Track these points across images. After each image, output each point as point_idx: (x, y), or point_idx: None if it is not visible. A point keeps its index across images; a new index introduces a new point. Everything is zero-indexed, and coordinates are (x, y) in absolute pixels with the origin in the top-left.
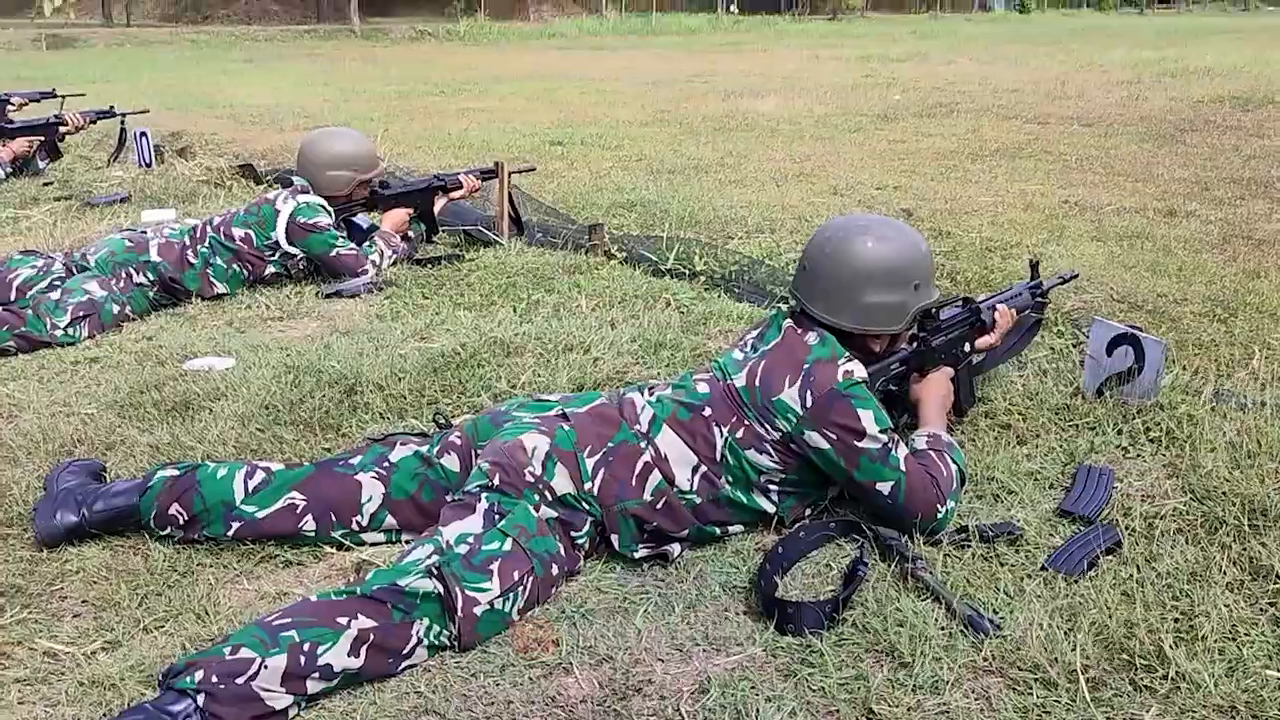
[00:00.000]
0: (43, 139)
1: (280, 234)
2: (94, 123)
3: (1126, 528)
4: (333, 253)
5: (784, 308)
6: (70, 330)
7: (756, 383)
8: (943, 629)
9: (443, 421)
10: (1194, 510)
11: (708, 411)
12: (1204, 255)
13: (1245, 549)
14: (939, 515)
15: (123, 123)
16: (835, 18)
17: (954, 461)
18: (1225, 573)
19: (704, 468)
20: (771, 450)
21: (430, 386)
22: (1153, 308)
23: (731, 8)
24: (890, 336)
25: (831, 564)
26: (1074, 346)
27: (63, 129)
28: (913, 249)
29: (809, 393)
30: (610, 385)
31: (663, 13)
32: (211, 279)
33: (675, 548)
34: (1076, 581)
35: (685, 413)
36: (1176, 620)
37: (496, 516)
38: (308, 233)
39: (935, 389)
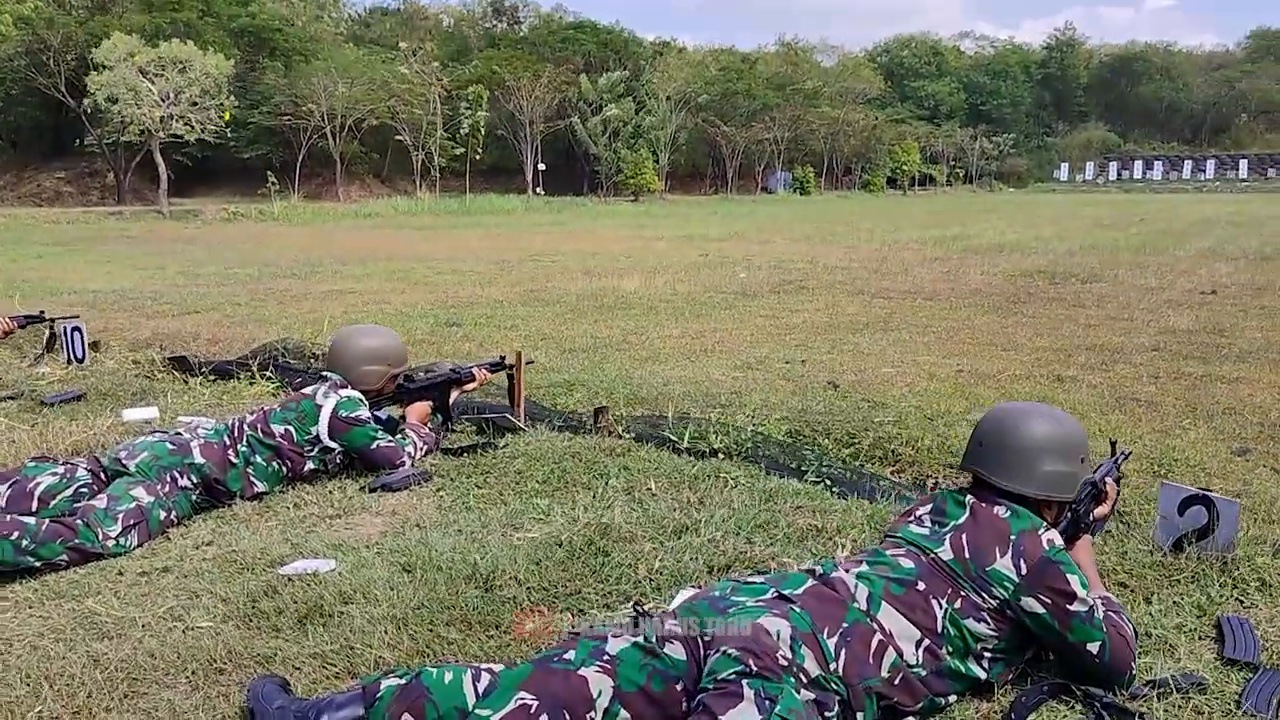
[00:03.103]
0: None
1: (323, 429)
2: (23, 327)
3: None
4: (373, 446)
5: (946, 486)
6: (122, 540)
7: (966, 555)
8: None
9: (641, 610)
10: None
11: (921, 586)
12: (1111, 417)
13: None
14: (1133, 671)
15: (51, 326)
16: (637, 199)
17: (1128, 621)
18: None
19: (926, 640)
20: (989, 619)
21: (568, 576)
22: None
23: (538, 190)
24: (1058, 506)
25: None
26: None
27: None
28: (1077, 428)
29: (1022, 561)
30: (740, 566)
31: (475, 193)
32: (252, 478)
33: None
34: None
35: (898, 588)
36: None
37: (767, 702)
38: (350, 426)
39: (1088, 554)
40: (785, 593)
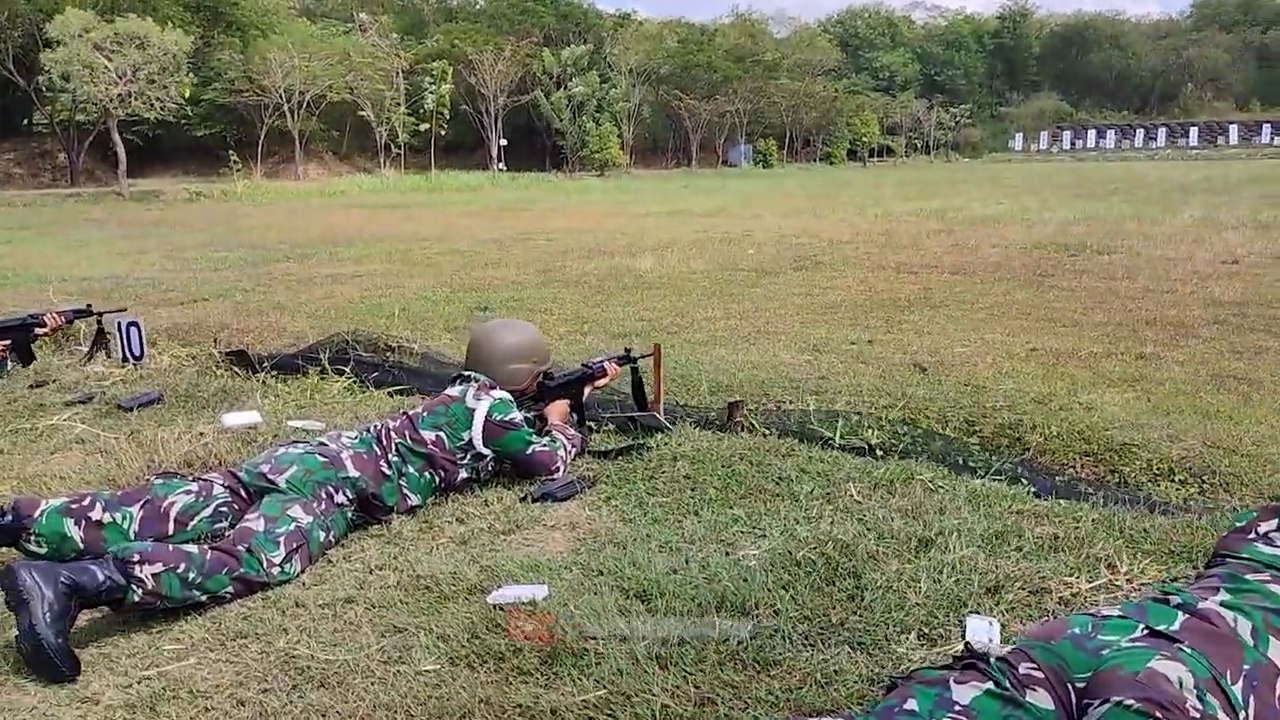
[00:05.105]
0: (10, 341)
1: (476, 434)
2: (70, 323)
3: None
4: (528, 450)
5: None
6: (286, 566)
7: None
8: None
9: (974, 651)
10: None
11: None
12: (1219, 398)
13: None
14: None
15: (99, 320)
16: (603, 174)
17: None
18: None
19: None
20: None
21: (829, 603)
22: (1248, 453)
23: (501, 165)
24: None
25: None
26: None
27: (39, 330)
28: None
29: None
30: (1011, 586)
31: (437, 170)
32: (405, 490)
33: None
34: None
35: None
36: None
37: None
38: (505, 430)
39: None
40: (1159, 629)
